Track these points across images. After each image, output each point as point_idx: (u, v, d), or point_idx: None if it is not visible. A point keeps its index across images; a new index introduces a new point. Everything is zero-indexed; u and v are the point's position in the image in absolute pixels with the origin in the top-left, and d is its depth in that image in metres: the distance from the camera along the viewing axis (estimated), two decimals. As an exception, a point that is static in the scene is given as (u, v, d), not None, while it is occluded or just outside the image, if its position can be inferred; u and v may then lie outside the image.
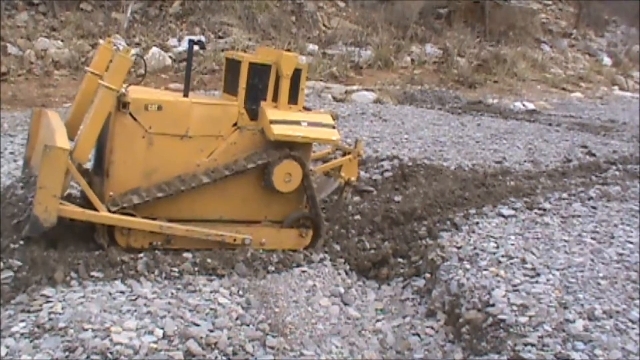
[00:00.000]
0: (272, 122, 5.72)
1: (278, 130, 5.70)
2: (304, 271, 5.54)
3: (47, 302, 4.35)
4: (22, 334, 3.97)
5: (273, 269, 5.50)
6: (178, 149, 5.66)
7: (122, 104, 5.42)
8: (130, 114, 5.46)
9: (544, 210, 6.76)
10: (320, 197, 6.52)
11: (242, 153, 5.84)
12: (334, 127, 6.11)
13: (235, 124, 5.83)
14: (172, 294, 4.74)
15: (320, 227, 6.20)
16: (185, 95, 5.86)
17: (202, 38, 15.78)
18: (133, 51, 5.58)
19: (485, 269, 5.22)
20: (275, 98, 5.89)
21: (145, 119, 5.51)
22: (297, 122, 5.84)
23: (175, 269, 5.13)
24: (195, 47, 6.15)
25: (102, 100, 5.35)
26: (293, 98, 5.97)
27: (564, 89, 19.38)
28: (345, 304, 5.31)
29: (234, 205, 5.93)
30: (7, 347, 3.85)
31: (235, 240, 5.78)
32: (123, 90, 5.39)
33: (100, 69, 5.87)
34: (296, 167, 5.85)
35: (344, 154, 6.98)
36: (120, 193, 5.50)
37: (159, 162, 5.61)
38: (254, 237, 5.86)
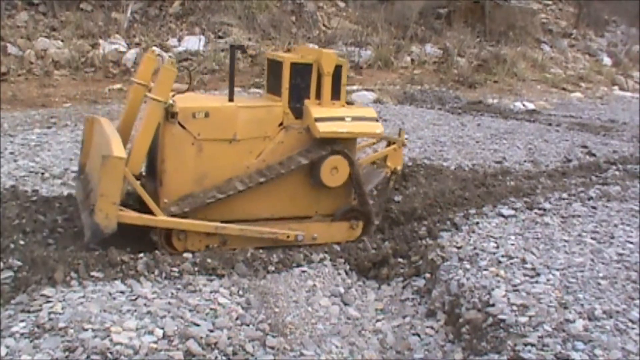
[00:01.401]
0: (317, 119, 5.87)
1: (323, 128, 5.85)
2: (304, 271, 5.54)
3: (47, 302, 4.35)
4: (22, 334, 3.97)
5: (273, 269, 5.50)
6: (227, 153, 5.81)
7: (170, 114, 5.57)
8: (179, 123, 5.61)
9: (544, 210, 6.75)
10: (368, 187, 6.65)
11: (289, 152, 5.99)
12: (377, 120, 6.26)
13: (281, 124, 5.98)
14: (172, 294, 4.74)
15: (370, 218, 6.37)
16: (231, 99, 5.98)
17: (204, 37, 15.78)
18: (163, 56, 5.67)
19: (485, 269, 5.22)
20: (318, 95, 6.03)
21: (193, 127, 5.66)
22: (341, 118, 5.99)
23: (175, 269, 5.13)
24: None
25: (151, 112, 5.52)
26: (335, 94, 6.10)
27: (564, 89, 19.36)
28: (345, 304, 5.31)
29: (285, 203, 6.09)
30: (7, 347, 3.85)
31: (288, 237, 5.96)
32: (171, 101, 5.54)
33: (146, 79, 6.08)
34: (343, 162, 6.01)
35: (388, 144, 7.12)
36: (173, 199, 5.66)
37: (209, 167, 5.76)
38: (306, 232, 6.04)
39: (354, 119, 6.07)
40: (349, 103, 6.43)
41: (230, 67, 6.17)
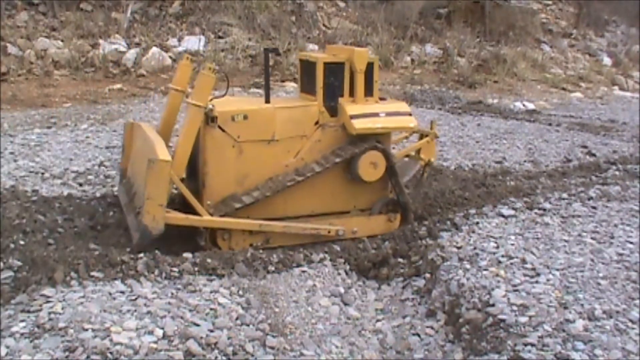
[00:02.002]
0: (352, 117, 6.06)
1: (359, 125, 6.05)
2: (304, 271, 5.54)
3: (47, 302, 4.35)
4: (22, 334, 3.97)
5: (273, 269, 5.50)
6: (266, 153, 6.01)
7: (210, 118, 5.75)
8: (219, 127, 5.80)
9: (544, 210, 6.75)
10: (404, 180, 6.83)
11: (326, 149, 6.19)
12: (410, 114, 6.45)
13: (317, 123, 6.17)
14: (172, 294, 4.74)
15: (408, 210, 6.56)
16: (267, 101, 6.17)
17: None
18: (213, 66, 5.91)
19: (485, 269, 5.22)
20: (352, 93, 6.21)
21: (233, 130, 5.86)
22: (376, 114, 6.17)
23: (175, 269, 5.13)
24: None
25: (191, 117, 5.69)
26: (368, 90, 6.28)
27: (564, 89, 19.34)
28: (345, 304, 5.31)
29: (324, 199, 6.30)
30: (7, 347, 3.85)
31: (329, 232, 6.17)
32: (210, 106, 5.71)
33: (183, 85, 6.35)
34: (380, 157, 6.21)
35: (421, 137, 7.29)
36: (216, 201, 5.86)
37: (250, 168, 5.96)
38: (346, 227, 6.24)
39: (388, 114, 6.24)
40: (382, 98, 6.60)
41: (265, 70, 6.39)
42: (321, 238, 6.17)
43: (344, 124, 6.15)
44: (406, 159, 7.41)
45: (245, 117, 5.88)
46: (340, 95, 6.20)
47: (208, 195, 5.88)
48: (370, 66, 6.20)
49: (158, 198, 5.31)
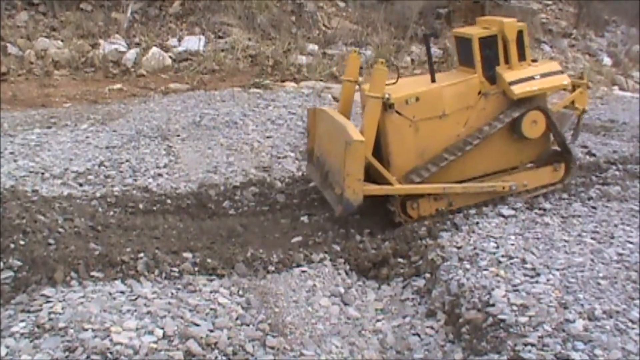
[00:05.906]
0: (510, 83, 6.65)
1: (518, 90, 6.66)
2: (304, 271, 5.54)
3: (47, 302, 4.35)
4: (22, 334, 3.97)
5: (273, 269, 5.50)
6: (439, 128, 6.61)
7: (388, 106, 6.35)
8: (396, 111, 6.40)
9: (544, 210, 6.76)
10: (564, 130, 7.36)
11: (491, 115, 6.77)
12: (562, 72, 7.08)
13: (479, 92, 6.74)
14: (172, 294, 4.74)
15: (571, 159, 7.21)
16: (433, 80, 6.74)
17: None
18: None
19: (485, 269, 5.22)
20: (506, 60, 6.78)
21: (408, 112, 6.47)
22: (531, 77, 6.78)
23: (175, 269, 5.13)
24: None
25: (372, 108, 6.32)
26: (521, 55, 6.85)
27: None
28: (345, 304, 5.31)
29: (494, 159, 6.90)
30: (7, 347, 3.85)
31: (504, 188, 6.78)
32: (387, 95, 6.29)
33: (354, 76, 7.08)
34: (540, 115, 6.81)
35: (573, 88, 7.71)
36: (401, 175, 6.48)
37: (426, 143, 6.58)
38: (517, 181, 6.87)
39: (542, 75, 6.85)
40: (533, 60, 7.10)
41: (427, 53, 7.20)
42: (496, 194, 6.76)
43: (504, 90, 6.69)
44: (563, 109, 7.76)
45: (417, 99, 6.47)
46: (496, 64, 6.73)
47: (393, 172, 6.41)
48: (520, 34, 6.75)
49: (356, 174, 5.94)
